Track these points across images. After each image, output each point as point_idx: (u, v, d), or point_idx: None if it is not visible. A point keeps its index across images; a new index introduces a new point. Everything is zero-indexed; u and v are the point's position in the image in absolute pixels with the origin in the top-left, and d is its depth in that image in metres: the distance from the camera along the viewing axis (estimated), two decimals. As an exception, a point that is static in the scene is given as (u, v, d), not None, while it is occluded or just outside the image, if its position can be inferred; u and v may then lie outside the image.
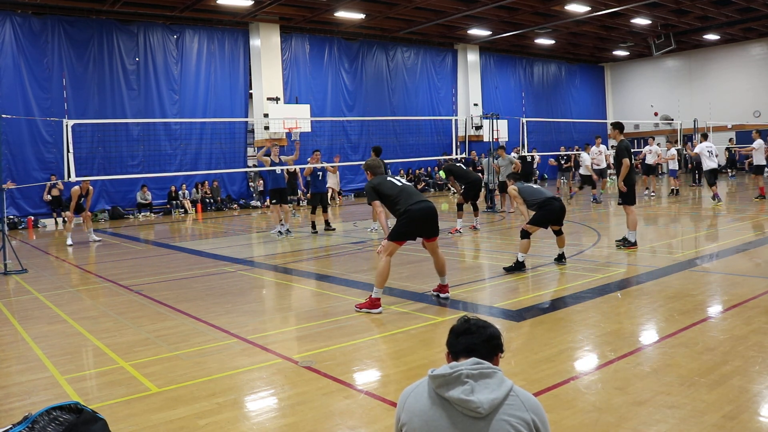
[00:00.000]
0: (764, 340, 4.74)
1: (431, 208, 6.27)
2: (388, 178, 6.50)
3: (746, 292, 6.35)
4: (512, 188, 8.55)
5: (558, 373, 4.24)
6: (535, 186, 8.57)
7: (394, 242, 6.22)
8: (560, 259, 8.40)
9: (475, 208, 12.84)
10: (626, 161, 9.26)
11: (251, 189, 23.90)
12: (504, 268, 8.01)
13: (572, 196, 18.47)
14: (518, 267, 7.91)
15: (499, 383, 2.01)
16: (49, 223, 19.01)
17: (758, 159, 17.16)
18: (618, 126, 9.60)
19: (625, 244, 9.35)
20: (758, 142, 17.20)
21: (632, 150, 9.73)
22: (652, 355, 4.60)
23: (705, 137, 16.62)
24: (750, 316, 5.43)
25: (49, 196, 19.09)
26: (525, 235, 7.99)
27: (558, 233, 8.34)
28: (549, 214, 8.04)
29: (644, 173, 19.34)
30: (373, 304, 6.14)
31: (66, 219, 13.73)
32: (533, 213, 8.21)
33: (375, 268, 6.33)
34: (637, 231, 9.55)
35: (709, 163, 15.56)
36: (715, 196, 15.38)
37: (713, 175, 15.58)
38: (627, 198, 9.40)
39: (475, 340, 2.14)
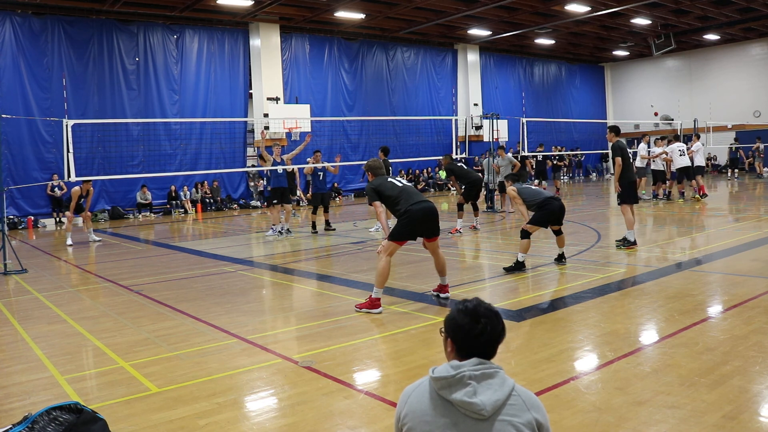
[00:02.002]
0: (764, 340, 4.74)
1: (432, 208, 6.28)
2: (389, 179, 6.50)
3: (746, 292, 6.35)
4: (511, 189, 8.53)
5: (558, 373, 4.25)
6: (534, 187, 8.57)
7: (394, 242, 6.22)
8: (560, 259, 8.40)
9: (475, 208, 12.84)
10: (618, 160, 9.31)
11: (251, 189, 23.90)
12: (504, 269, 8.02)
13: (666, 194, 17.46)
14: (518, 267, 7.92)
15: (501, 383, 2.01)
16: (49, 223, 19.00)
17: (698, 160, 17.51)
18: (614, 129, 9.72)
19: (625, 243, 9.36)
20: (698, 145, 17.70)
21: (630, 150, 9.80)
22: (652, 355, 4.60)
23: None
24: (750, 316, 5.43)
25: (57, 191, 19.07)
26: (525, 235, 8.01)
27: (558, 233, 8.35)
28: (549, 215, 8.05)
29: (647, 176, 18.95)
30: (373, 304, 6.14)
31: (66, 219, 13.73)
32: (533, 213, 8.21)
33: (375, 268, 6.32)
34: (635, 231, 9.56)
35: (679, 161, 16.50)
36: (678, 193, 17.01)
37: (683, 173, 16.68)
38: (625, 197, 9.39)
39: (485, 341, 2.08)
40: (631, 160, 9.75)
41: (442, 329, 2.17)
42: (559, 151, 24.50)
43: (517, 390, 2.02)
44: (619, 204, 9.60)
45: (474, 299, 2.15)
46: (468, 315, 2.08)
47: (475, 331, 2.05)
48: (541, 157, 20.32)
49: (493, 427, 1.94)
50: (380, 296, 6.18)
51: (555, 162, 23.03)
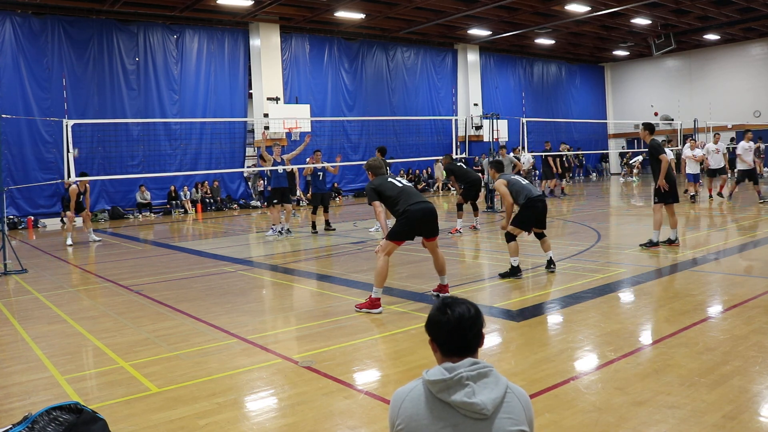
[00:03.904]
0: (764, 340, 4.74)
1: (430, 209, 6.28)
2: (389, 179, 6.50)
3: (746, 292, 6.35)
4: (501, 183, 7.77)
5: (558, 373, 4.24)
6: (524, 181, 7.94)
7: (392, 242, 6.23)
8: (549, 265, 7.90)
9: (475, 208, 12.83)
10: (664, 157, 8.88)
11: (250, 189, 23.87)
12: (499, 275, 7.72)
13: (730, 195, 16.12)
14: (513, 272, 7.59)
15: (496, 381, 2.01)
16: (50, 222, 18.97)
17: (716, 162, 16.69)
18: (648, 127, 9.23)
19: (668, 242, 9.15)
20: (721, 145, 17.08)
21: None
22: (652, 355, 4.60)
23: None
24: (750, 316, 5.43)
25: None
26: (510, 238, 7.63)
27: (540, 236, 7.88)
28: (532, 216, 7.65)
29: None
30: (373, 304, 6.14)
31: (67, 219, 13.69)
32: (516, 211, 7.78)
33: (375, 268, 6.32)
34: (649, 230, 9.52)
35: (740, 164, 15.74)
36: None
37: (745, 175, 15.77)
38: (666, 196, 9.03)
39: (469, 337, 2.07)
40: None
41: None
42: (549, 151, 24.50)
43: (510, 387, 2.04)
44: (654, 203, 9.17)
45: (447, 297, 2.16)
46: (438, 309, 2.12)
47: (443, 320, 2.08)
48: (544, 156, 20.43)
49: (493, 426, 1.95)
50: (380, 296, 6.18)
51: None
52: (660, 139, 18.14)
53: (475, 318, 2.09)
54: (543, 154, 20.88)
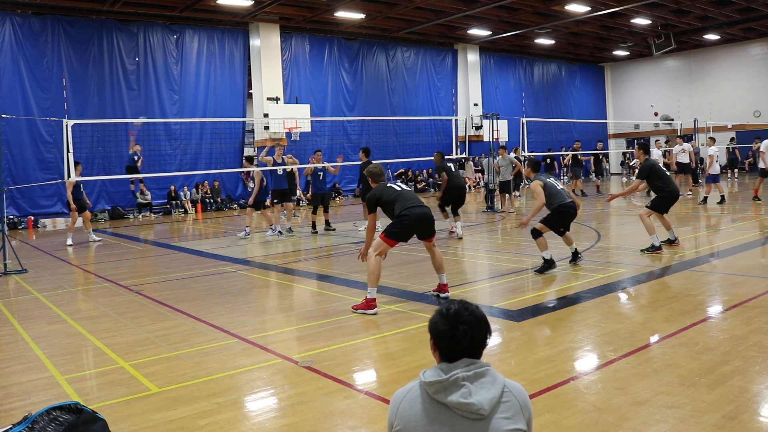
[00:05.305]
0: (764, 340, 4.74)
1: (426, 213, 6.34)
2: (388, 185, 6.63)
3: (746, 292, 6.35)
4: (537, 184, 7.94)
5: (558, 373, 4.25)
6: (559, 186, 8.09)
7: (386, 241, 6.24)
8: (575, 257, 8.14)
9: (455, 214, 12.04)
10: (644, 185, 9.30)
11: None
12: (535, 271, 7.84)
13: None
14: (549, 266, 7.75)
15: (493, 380, 2.01)
16: (50, 222, 18.97)
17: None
18: (643, 147, 9.54)
19: (668, 242, 9.23)
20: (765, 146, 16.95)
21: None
22: (652, 355, 4.60)
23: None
24: (750, 316, 5.43)
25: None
26: (537, 234, 7.81)
27: (562, 233, 8.12)
28: (564, 219, 7.87)
29: (679, 172, 18.35)
30: (369, 305, 6.13)
31: (71, 217, 13.61)
32: (548, 212, 7.95)
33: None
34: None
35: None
36: None
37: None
38: (655, 204, 9.10)
39: (473, 347, 2.06)
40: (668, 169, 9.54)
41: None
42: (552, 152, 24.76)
43: (507, 386, 2.03)
44: (645, 206, 9.23)
45: (458, 303, 2.10)
46: (448, 321, 2.05)
47: (455, 338, 2.02)
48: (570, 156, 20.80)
49: (490, 426, 1.95)
50: (375, 296, 6.17)
51: (548, 162, 23.25)
52: (661, 139, 18.20)
53: (483, 331, 2.06)
54: (572, 153, 21.17)
